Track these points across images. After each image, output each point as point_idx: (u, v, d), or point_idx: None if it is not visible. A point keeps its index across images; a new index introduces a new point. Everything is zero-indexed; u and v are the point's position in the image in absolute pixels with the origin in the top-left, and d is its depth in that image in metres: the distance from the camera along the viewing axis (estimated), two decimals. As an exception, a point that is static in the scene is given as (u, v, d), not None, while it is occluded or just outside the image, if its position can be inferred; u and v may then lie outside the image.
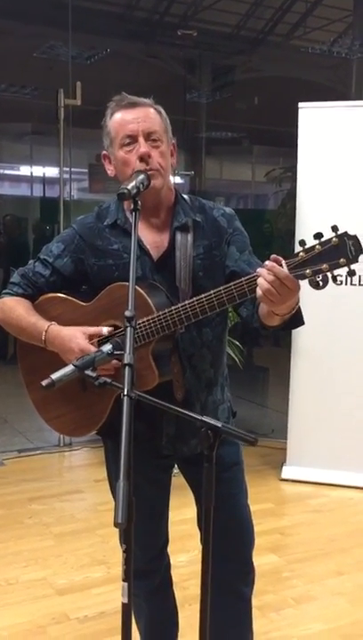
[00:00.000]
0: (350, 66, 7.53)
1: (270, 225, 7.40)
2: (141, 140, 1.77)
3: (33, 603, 2.87)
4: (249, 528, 2.01)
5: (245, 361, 4.69)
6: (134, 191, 1.63)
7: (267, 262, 1.52)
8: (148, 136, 1.77)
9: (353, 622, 2.77)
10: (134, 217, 1.60)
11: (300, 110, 4.19)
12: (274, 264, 1.50)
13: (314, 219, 4.17)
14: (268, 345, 7.67)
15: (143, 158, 1.76)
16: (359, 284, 3.98)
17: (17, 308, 1.86)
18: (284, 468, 4.35)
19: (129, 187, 1.63)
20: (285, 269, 1.49)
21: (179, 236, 1.83)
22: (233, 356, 4.37)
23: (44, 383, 1.53)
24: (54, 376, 1.52)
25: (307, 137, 4.19)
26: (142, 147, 1.76)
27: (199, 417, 1.45)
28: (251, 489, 2.04)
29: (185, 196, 1.92)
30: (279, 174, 7.37)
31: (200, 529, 1.96)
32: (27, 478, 4.29)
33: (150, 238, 1.84)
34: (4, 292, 1.92)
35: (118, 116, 1.79)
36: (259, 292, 1.53)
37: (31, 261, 1.95)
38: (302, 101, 4.20)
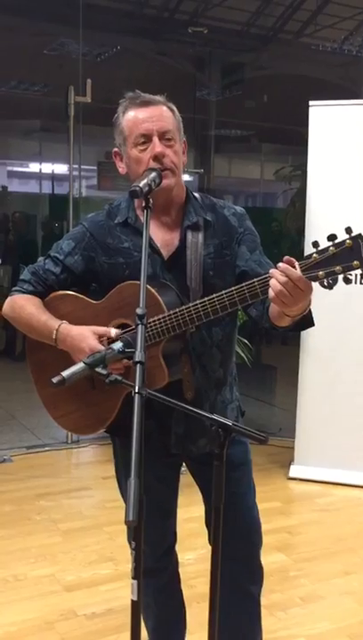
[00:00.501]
0: (361, 64, 7.50)
1: (279, 223, 7.38)
2: (156, 139, 1.76)
3: (41, 599, 2.87)
4: (257, 528, 2.01)
5: (253, 359, 4.68)
6: (146, 189, 1.64)
7: (280, 264, 1.51)
8: (162, 135, 1.77)
9: (361, 622, 2.77)
10: (146, 215, 1.60)
11: (310, 108, 4.18)
12: (287, 266, 1.50)
13: (324, 217, 4.16)
14: (276, 343, 7.66)
15: (158, 158, 1.75)
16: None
17: (27, 307, 1.86)
18: (291, 466, 4.34)
19: (141, 184, 1.63)
20: (298, 271, 1.49)
21: (190, 235, 1.83)
22: (242, 354, 4.37)
23: (54, 380, 1.53)
24: (65, 373, 1.53)
25: (317, 135, 4.18)
26: (157, 147, 1.76)
27: (210, 415, 1.45)
28: (258, 487, 2.03)
29: (196, 195, 1.91)
30: (288, 172, 7.36)
31: (208, 527, 1.97)
32: (35, 475, 4.31)
33: (161, 237, 1.84)
34: (14, 289, 1.92)
35: (132, 114, 1.79)
36: (271, 293, 1.53)
37: (41, 258, 1.95)
38: (312, 99, 4.19)
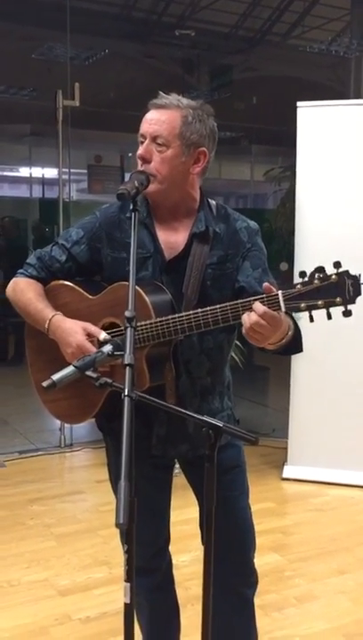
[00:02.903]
0: (349, 65, 7.52)
1: (270, 224, 7.39)
2: (146, 142, 1.76)
3: (35, 604, 2.87)
4: (249, 531, 2.00)
5: (246, 360, 4.69)
6: (134, 191, 1.64)
7: (256, 304, 1.53)
8: (153, 139, 1.76)
9: (356, 621, 2.77)
10: (133, 218, 1.60)
11: (299, 109, 4.19)
12: (257, 304, 1.52)
13: (313, 218, 4.18)
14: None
15: (140, 160, 1.76)
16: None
17: (28, 292, 1.88)
18: (285, 467, 4.35)
19: (128, 187, 1.63)
20: (261, 307, 1.51)
21: (195, 243, 1.82)
22: (234, 355, 4.37)
23: (44, 384, 1.54)
24: (55, 377, 1.53)
25: (306, 136, 4.19)
26: (140, 149, 1.77)
27: (200, 416, 1.45)
28: (252, 488, 2.03)
29: (212, 203, 1.90)
30: (278, 173, 7.37)
31: (202, 529, 1.96)
32: (28, 479, 4.29)
33: (166, 239, 1.84)
34: (18, 271, 1.94)
35: (146, 114, 1.79)
36: (243, 330, 1.55)
37: (50, 244, 1.96)
38: (300, 100, 4.20)
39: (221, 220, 1.87)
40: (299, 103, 4.19)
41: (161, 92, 1.80)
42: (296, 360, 4.26)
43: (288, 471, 4.32)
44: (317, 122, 4.18)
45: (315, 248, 4.08)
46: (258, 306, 1.52)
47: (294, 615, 2.80)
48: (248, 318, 1.53)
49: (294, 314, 1.60)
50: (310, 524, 3.71)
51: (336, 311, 1.46)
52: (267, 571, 3.01)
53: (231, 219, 1.89)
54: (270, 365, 6.90)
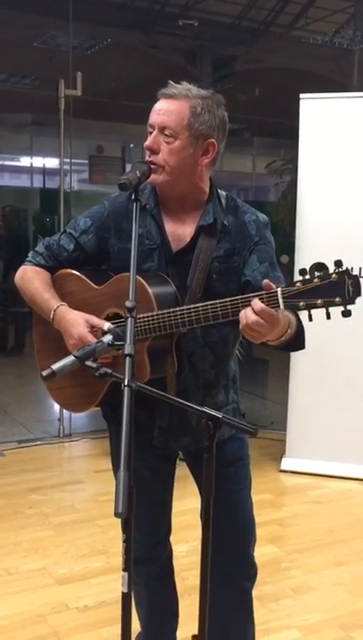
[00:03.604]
0: (352, 57, 7.48)
1: (271, 217, 7.38)
2: (155, 132, 1.75)
3: (33, 592, 2.88)
4: (250, 524, 2.00)
5: (245, 353, 4.69)
6: (135, 181, 1.63)
7: (254, 301, 1.52)
8: (161, 130, 1.74)
9: (352, 612, 2.79)
10: (135, 207, 1.60)
11: (301, 101, 4.18)
12: (256, 300, 1.51)
13: (315, 211, 4.17)
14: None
15: (147, 150, 1.75)
16: (360, 276, 3.98)
17: (35, 280, 1.89)
18: (283, 459, 4.36)
19: (130, 177, 1.63)
20: (259, 305, 1.50)
21: (202, 236, 1.80)
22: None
23: (44, 373, 1.55)
24: (55, 367, 1.53)
25: (308, 128, 4.18)
26: (148, 139, 1.75)
27: (199, 407, 1.45)
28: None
29: (222, 194, 1.88)
30: (280, 166, 7.35)
31: (202, 520, 1.97)
32: (27, 469, 4.31)
33: (173, 230, 1.83)
34: (26, 259, 1.95)
35: (155, 104, 1.78)
36: (240, 326, 1.55)
37: (58, 233, 1.96)
38: (303, 92, 4.19)
39: (229, 213, 1.86)
40: (302, 95, 4.18)
41: (171, 82, 1.78)
42: (295, 353, 4.26)
43: (286, 463, 4.34)
44: (319, 114, 4.16)
45: (316, 241, 4.08)
46: (256, 303, 1.51)
47: (291, 606, 2.82)
48: (245, 315, 1.52)
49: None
50: (308, 516, 3.72)
51: (335, 311, 1.45)
52: (264, 562, 3.00)
53: (240, 211, 1.87)
54: (270, 358, 6.91)
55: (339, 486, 4.12)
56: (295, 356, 4.27)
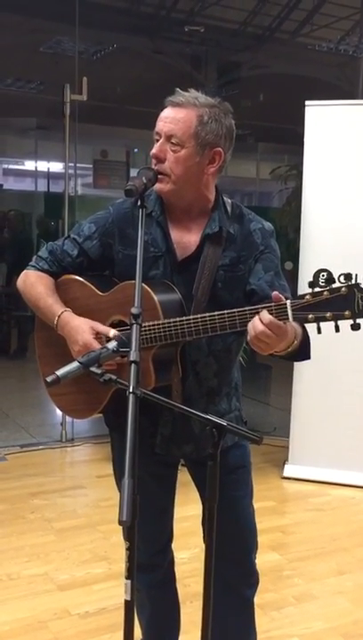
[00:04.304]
0: (358, 64, 7.49)
1: (274, 223, 7.38)
2: (161, 140, 1.74)
3: (34, 598, 2.87)
4: (252, 531, 2.00)
5: (248, 359, 4.68)
6: (141, 188, 1.63)
7: (262, 313, 1.52)
8: (168, 138, 1.73)
9: (354, 621, 2.77)
10: (141, 214, 1.60)
11: (307, 108, 4.17)
12: (264, 312, 1.51)
13: (320, 218, 4.17)
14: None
15: (153, 159, 1.75)
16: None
17: (38, 285, 1.88)
18: (286, 466, 4.35)
19: (136, 183, 1.63)
20: (270, 317, 1.50)
21: (208, 244, 1.80)
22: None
23: (48, 379, 1.54)
24: (59, 372, 1.53)
25: (313, 135, 4.18)
26: (155, 147, 1.75)
27: (204, 415, 1.45)
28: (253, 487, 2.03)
29: (227, 202, 1.87)
30: (284, 172, 7.35)
31: (204, 528, 1.96)
32: (29, 473, 4.30)
33: (179, 238, 1.82)
34: (30, 264, 1.94)
35: (162, 111, 1.77)
36: (247, 338, 1.54)
37: (62, 237, 1.95)
38: (308, 99, 4.19)
39: (235, 221, 1.85)
40: (307, 102, 4.18)
41: (178, 89, 1.77)
42: (299, 359, 4.25)
43: (289, 470, 4.32)
44: (325, 121, 4.16)
45: (321, 248, 4.08)
46: (264, 315, 1.51)
47: (293, 615, 2.80)
48: (253, 327, 1.52)
49: None
50: (310, 524, 3.71)
51: (344, 324, 1.45)
52: (266, 570, 3.01)
53: (246, 219, 1.87)
54: (273, 364, 6.89)
55: (342, 494, 4.11)
56: (299, 363, 4.24)
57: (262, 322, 1.50)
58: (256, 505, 2.03)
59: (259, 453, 4.51)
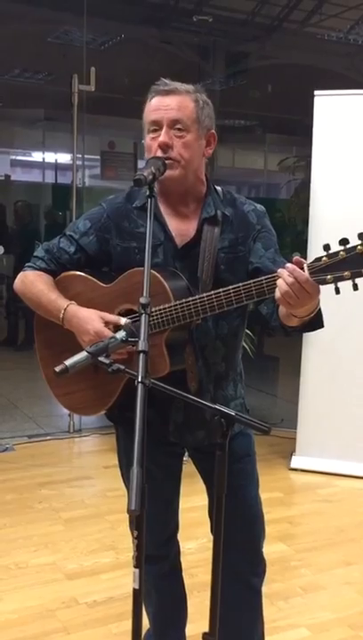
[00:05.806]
0: (367, 54, 7.45)
1: (282, 214, 7.36)
2: (165, 128, 1.75)
3: (43, 587, 2.89)
4: (259, 520, 2.00)
5: (256, 350, 4.69)
6: (150, 177, 1.63)
7: (288, 264, 1.52)
8: (172, 124, 1.75)
9: (361, 612, 2.78)
10: (150, 204, 1.60)
11: (315, 98, 4.15)
12: (295, 267, 1.50)
13: (329, 208, 4.15)
14: (279, 334, 7.66)
15: (162, 147, 1.75)
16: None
17: (38, 283, 1.87)
18: (293, 457, 4.35)
19: (145, 173, 1.62)
20: (306, 273, 1.50)
21: (206, 228, 1.82)
22: (244, 344, 4.36)
23: (57, 369, 1.53)
24: (68, 362, 1.53)
25: (322, 125, 4.16)
26: (162, 136, 1.75)
27: (213, 405, 1.45)
28: (260, 478, 2.03)
29: (218, 188, 1.90)
30: (292, 163, 7.34)
31: (211, 518, 1.97)
32: (37, 464, 4.32)
33: (176, 226, 1.84)
34: (27, 264, 1.93)
35: (153, 101, 1.78)
36: (277, 293, 1.54)
37: (57, 237, 1.95)
38: (316, 89, 4.16)
39: (228, 204, 1.88)
40: (316, 92, 4.15)
41: (162, 79, 1.80)
42: (306, 350, 4.25)
43: (296, 461, 4.33)
44: (334, 111, 4.14)
45: (329, 239, 4.05)
46: (300, 273, 1.50)
47: (300, 605, 2.81)
48: (287, 280, 1.51)
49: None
50: (318, 515, 3.71)
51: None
52: (273, 560, 3.01)
53: (238, 202, 1.90)
54: (280, 355, 6.89)
55: (349, 485, 4.11)
56: (306, 354, 4.25)
57: (298, 280, 1.50)
58: (264, 496, 2.03)
59: (266, 445, 4.52)
